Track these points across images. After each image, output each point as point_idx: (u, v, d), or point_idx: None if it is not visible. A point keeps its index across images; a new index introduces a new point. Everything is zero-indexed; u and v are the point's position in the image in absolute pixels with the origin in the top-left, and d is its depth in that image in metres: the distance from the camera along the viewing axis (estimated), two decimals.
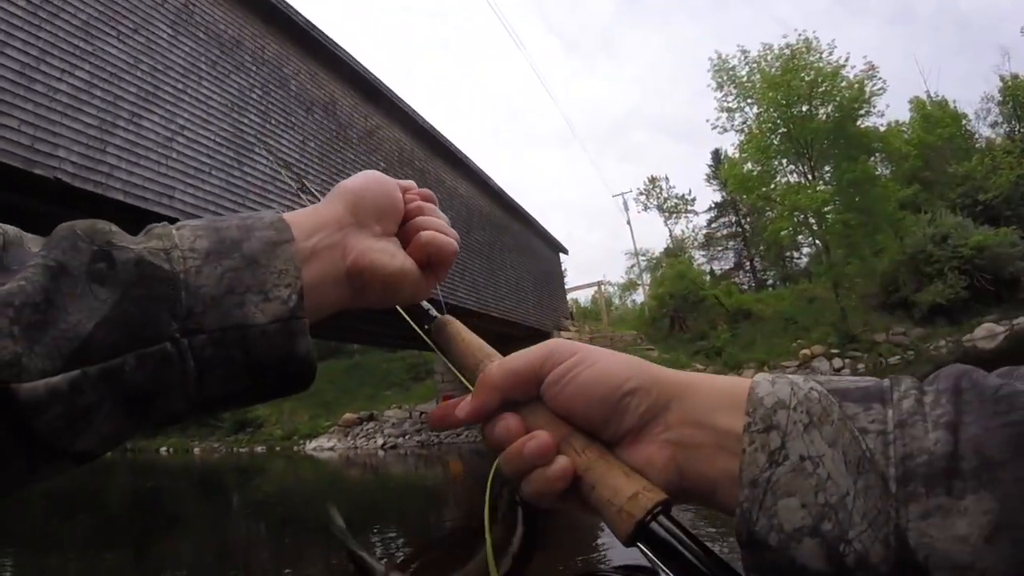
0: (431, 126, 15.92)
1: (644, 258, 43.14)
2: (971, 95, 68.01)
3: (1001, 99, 31.53)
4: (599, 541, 6.54)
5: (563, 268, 27.99)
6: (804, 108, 22.71)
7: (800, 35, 23.28)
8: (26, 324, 0.39)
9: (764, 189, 24.32)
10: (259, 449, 25.40)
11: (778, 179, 24.78)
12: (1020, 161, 25.70)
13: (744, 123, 24.56)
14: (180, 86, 8.36)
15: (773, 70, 23.02)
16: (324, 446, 23.45)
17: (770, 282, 42.09)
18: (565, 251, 27.66)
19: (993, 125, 32.58)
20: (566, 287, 28.76)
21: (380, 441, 22.25)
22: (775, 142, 23.60)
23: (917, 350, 20.32)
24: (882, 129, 24.56)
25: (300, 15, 11.10)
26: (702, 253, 45.77)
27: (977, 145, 30.75)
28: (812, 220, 23.56)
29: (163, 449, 28.46)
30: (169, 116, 8.06)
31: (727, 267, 45.19)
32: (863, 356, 20.38)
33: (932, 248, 21.38)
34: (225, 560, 8.46)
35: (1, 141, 6.05)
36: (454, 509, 10.46)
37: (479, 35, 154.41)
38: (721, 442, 0.45)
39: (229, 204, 8.64)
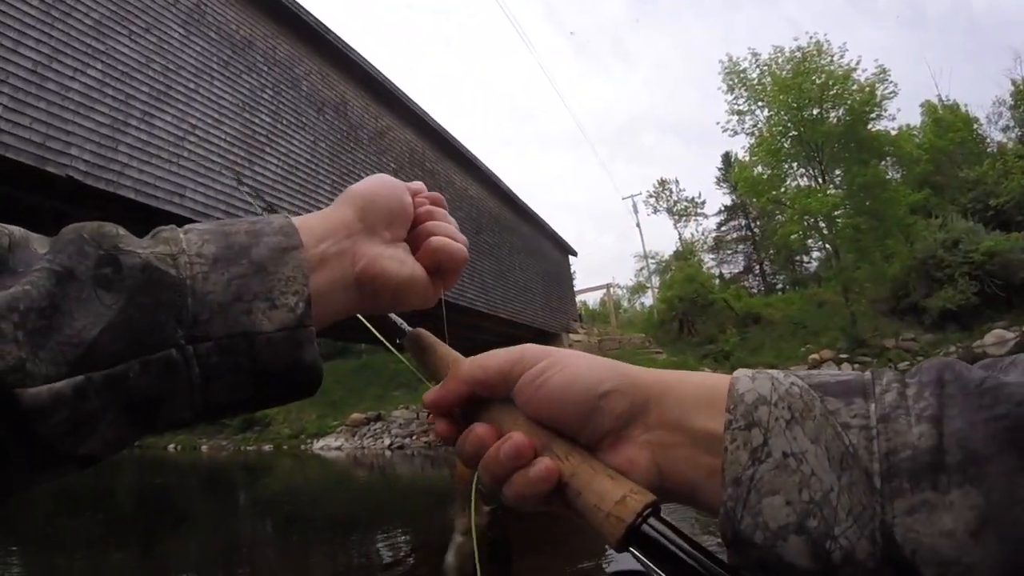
0: (441, 127, 15.96)
1: (653, 261, 42.98)
2: (983, 99, 67.50)
3: (1013, 103, 31.26)
4: (599, 543, 6.53)
5: (572, 270, 27.99)
6: (815, 111, 22.60)
7: (811, 38, 23.22)
8: (31, 329, 0.39)
9: (774, 192, 24.21)
10: (266, 447, 25.46)
11: (788, 183, 24.68)
12: None
13: (755, 126, 24.49)
14: (192, 86, 8.40)
15: (784, 73, 22.93)
16: (331, 446, 23.48)
17: (779, 286, 41.95)
18: (574, 253, 27.65)
19: (1005, 129, 32.30)
20: (575, 289, 28.71)
21: (387, 441, 22.25)
22: (785, 145, 23.51)
23: (927, 356, 20.06)
24: (893, 133, 24.44)
25: (312, 16, 11.14)
26: (711, 256, 45.62)
27: (988, 150, 30.46)
28: (822, 224, 23.46)
29: (171, 446, 28.53)
30: (181, 115, 8.10)
31: (736, 271, 45.06)
32: (872, 361, 20.22)
33: (943, 253, 21.23)
34: (232, 558, 8.48)
35: (13, 139, 6.09)
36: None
37: (483, 33, 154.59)
38: (701, 442, 0.44)
39: (239, 204, 8.66)
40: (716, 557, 0.40)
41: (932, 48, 75.91)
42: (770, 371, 0.45)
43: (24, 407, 0.38)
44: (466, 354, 0.57)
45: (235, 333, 0.46)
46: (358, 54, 12.58)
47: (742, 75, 23.96)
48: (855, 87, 22.36)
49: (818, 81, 22.34)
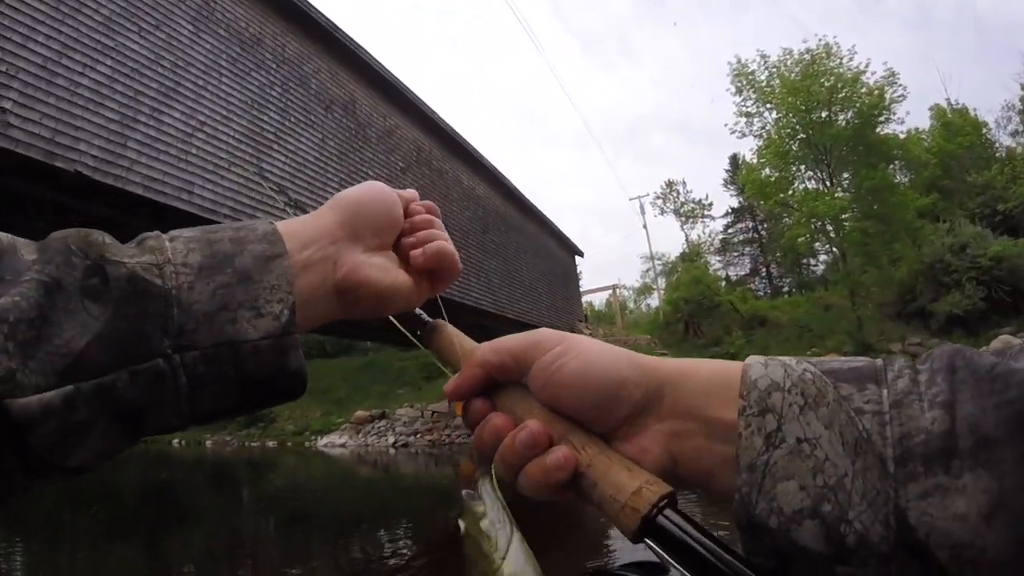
0: (448, 126, 15.96)
1: (660, 262, 42.97)
2: (991, 103, 67.27)
3: (1022, 107, 31.14)
4: (607, 541, 6.53)
5: (578, 270, 27.98)
6: (823, 114, 22.53)
7: (820, 40, 23.15)
8: (21, 340, 0.40)
9: (782, 195, 24.15)
10: (270, 444, 25.48)
11: (796, 185, 24.61)
12: None
13: (763, 128, 24.39)
14: (201, 82, 8.43)
15: (793, 75, 22.86)
16: (335, 443, 23.49)
17: (786, 289, 41.84)
18: (580, 253, 27.65)
19: (1014, 134, 32.10)
20: (581, 290, 28.71)
21: (391, 439, 22.26)
22: (793, 148, 23.44)
23: None
24: (902, 136, 24.35)
25: (321, 14, 11.15)
26: (718, 258, 45.52)
27: (997, 154, 30.32)
28: (829, 227, 23.37)
29: (175, 441, 28.58)
30: (189, 112, 8.12)
31: (743, 273, 44.96)
32: None
33: (950, 258, 21.12)
34: (236, 554, 8.50)
35: (22, 133, 6.12)
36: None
37: (489, 32, 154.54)
38: (715, 430, 0.45)
39: (247, 201, 8.69)
40: (732, 549, 0.41)
41: (940, 50, 75.79)
42: (782, 358, 0.45)
43: (14, 417, 0.39)
44: None
45: (221, 342, 0.47)
46: (367, 53, 12.59)
47: (751, 77, 23.88)
48: (864, 90, 22.27)
49: (827, 84, 22.26)
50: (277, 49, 10.26)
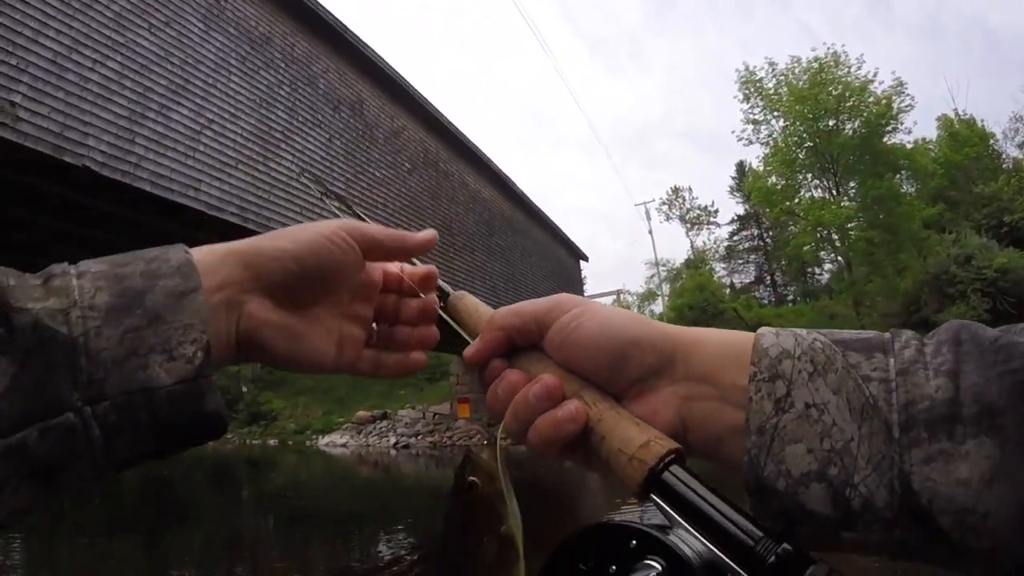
0: (455, 128, 15.99)
1: (664, 268, 42.91)
2: (999, 114, 67.23)
3: None
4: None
5: (583, 275, 27.98)
6: (831, 123, 22.56)
7: (829, 48, 23.15)
8: None
9: (788, 203, 24.17)
10: (272, 442, 25.52)
11: (802, 194, 24.65)
12: None
13: (770, 136, 24.47)
14: (210, 80, 8.45)
15: (801, 83, 22.88)
16: (336, 442, 23.53)
17: (790, 297, 41.88)
18: (585, 258, 27.67)
19: (1021, 146, 31.93)
20: (585, 295, 28.69)
21: (392, 440, 22.29)
22: (800, 156, 23.47)
23: None
24: (909, 146, 24.36)
25: (330, 14, 11.18)
26: (723, 265, 45.53)
27: (1004, 165, 30.21)
28: (835, 236, 23.42)
29: None
30: (198, 109, 8.15)
31: (747, 280, 45.05)
32: None
33: (955, 269, 21.07)
34: (235, 552, 8.50)
35: (32, 127, 6.14)
36: None
37: (497, 33, 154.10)
38: (727, 396, 0.45)
39: (253, 199, 8.71)
40: (739, 507, 0.41)
41: (949, 60, 75.71)
42: (793, 329, 0.45)
43: None
44: None
45: (132, 390, 0.44)
46: (376, 53, 12.62)
47: (758, 84, 23.92)
48: (871, 99, 22.28)
49: (835, 92, 22.28)
50: (286, 48, 10.29)
